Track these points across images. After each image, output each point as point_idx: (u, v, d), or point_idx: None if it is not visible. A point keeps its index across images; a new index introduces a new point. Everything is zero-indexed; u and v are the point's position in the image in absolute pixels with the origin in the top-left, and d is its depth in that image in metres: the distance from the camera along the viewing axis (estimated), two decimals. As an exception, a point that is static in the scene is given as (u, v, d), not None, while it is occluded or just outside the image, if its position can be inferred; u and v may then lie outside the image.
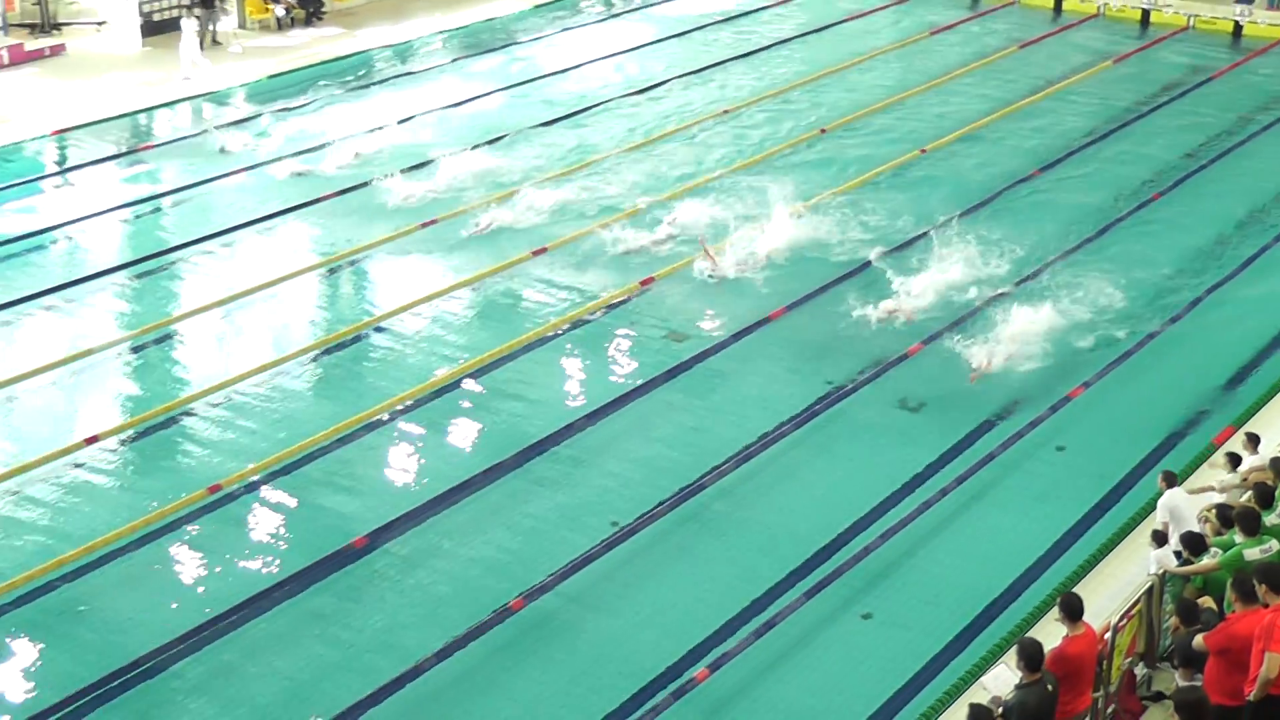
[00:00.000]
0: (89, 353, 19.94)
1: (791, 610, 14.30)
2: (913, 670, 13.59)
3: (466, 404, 18.54)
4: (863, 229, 23.15)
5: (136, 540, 15.78)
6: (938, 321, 20.10)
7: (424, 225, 23.51)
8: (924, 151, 27.01)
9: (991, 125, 28.59)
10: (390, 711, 13.20)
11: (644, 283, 21.32)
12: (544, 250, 22.52)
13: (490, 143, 27.16)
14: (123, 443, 17.89)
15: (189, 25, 31.65)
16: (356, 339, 20.21)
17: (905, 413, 18.01)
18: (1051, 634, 12.23)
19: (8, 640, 14.36)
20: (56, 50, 33.01)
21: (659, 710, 12.88)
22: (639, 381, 18.92)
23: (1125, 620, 12.45)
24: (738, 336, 19.92)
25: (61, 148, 28.08)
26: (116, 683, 13.59)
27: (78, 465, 17.30)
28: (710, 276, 21.52)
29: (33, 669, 14.05)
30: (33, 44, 32.88)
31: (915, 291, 20.52)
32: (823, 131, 28.06)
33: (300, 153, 26.87)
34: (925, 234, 22.57)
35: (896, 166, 26.29)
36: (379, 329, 20.49)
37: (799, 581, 14.81)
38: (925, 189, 25.17)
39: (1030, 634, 13.08)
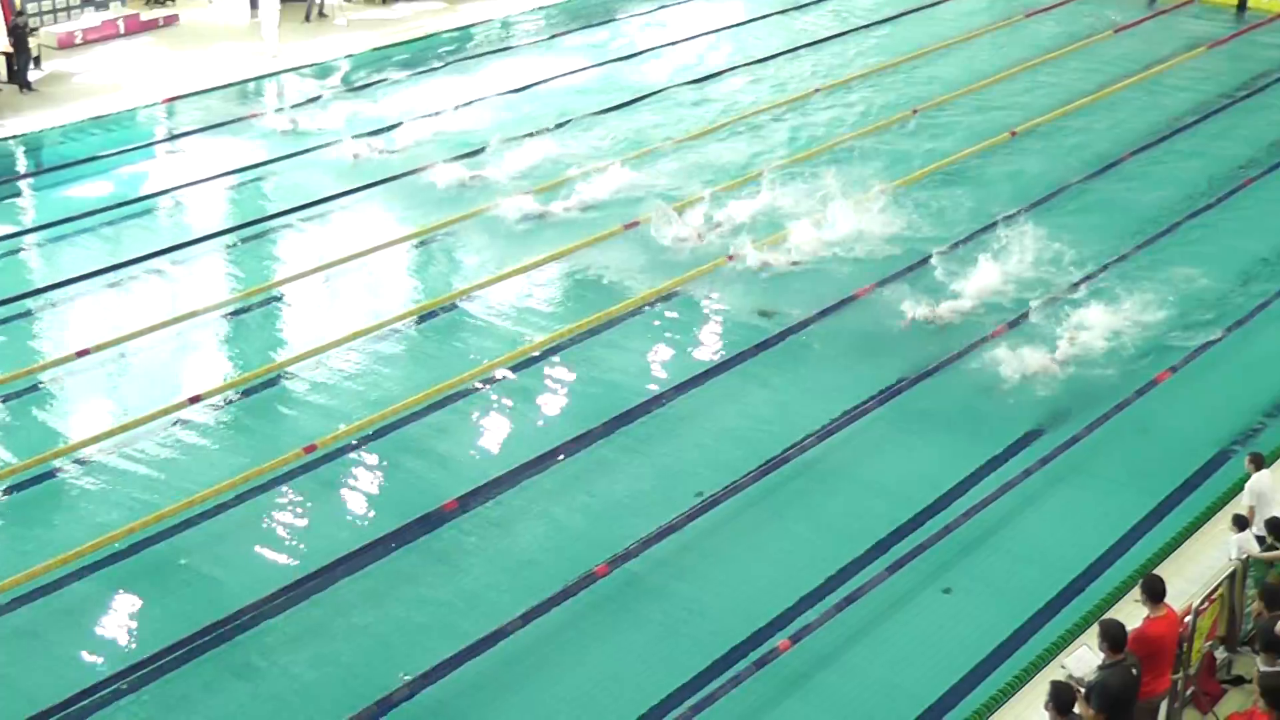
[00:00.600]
0: (194, 314, 20.28)
1: (874, 584, 14.21)
2: (991, 646, 13.46)
3: (556, 374, 18.60)
4: (940, 218, 22.75)
5: (235, 497, 16.01)
6: (1016, 308, 19.81)
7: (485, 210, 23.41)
8: (1013, 134, 26.56)
9: (1081, 110, 27.97)
10: (475, 671, 13.29)
11: (729, 258, 21.21)
12: (634, 224, 22.50)
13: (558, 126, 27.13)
14: (224, 402, 18.16)
15: (268, 4, 31.64)
16: (449, 308, 20.31)
17: (988, 396, 17.74)
18: (1132, 615, 12.05)
19: (112, 591, 14.65)
20: (170, 21, 33.65)
21: (740, 679, 12.86)
22: (726, 356, 18.85)
23: (1207, 603, 12.25)
24: (823, 314, 19.78)
25: (171, 115, 28.51)
26: (213, 635, 13.81)
27: (181, 423, 17.59)
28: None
29: (134, 620, 14.32)
30: (148, 14, 33.56)
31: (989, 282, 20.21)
32: (915, 112, 27.69)
33: (379, 131, 26.89)
34: (997, 223, 22.08)
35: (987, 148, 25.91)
36: (470, 299, 20.57)
37: (880, 556, 14.72)
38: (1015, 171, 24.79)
39: (1111, 615, 12.96)
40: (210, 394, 18.21)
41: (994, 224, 22.07)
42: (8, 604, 14.32)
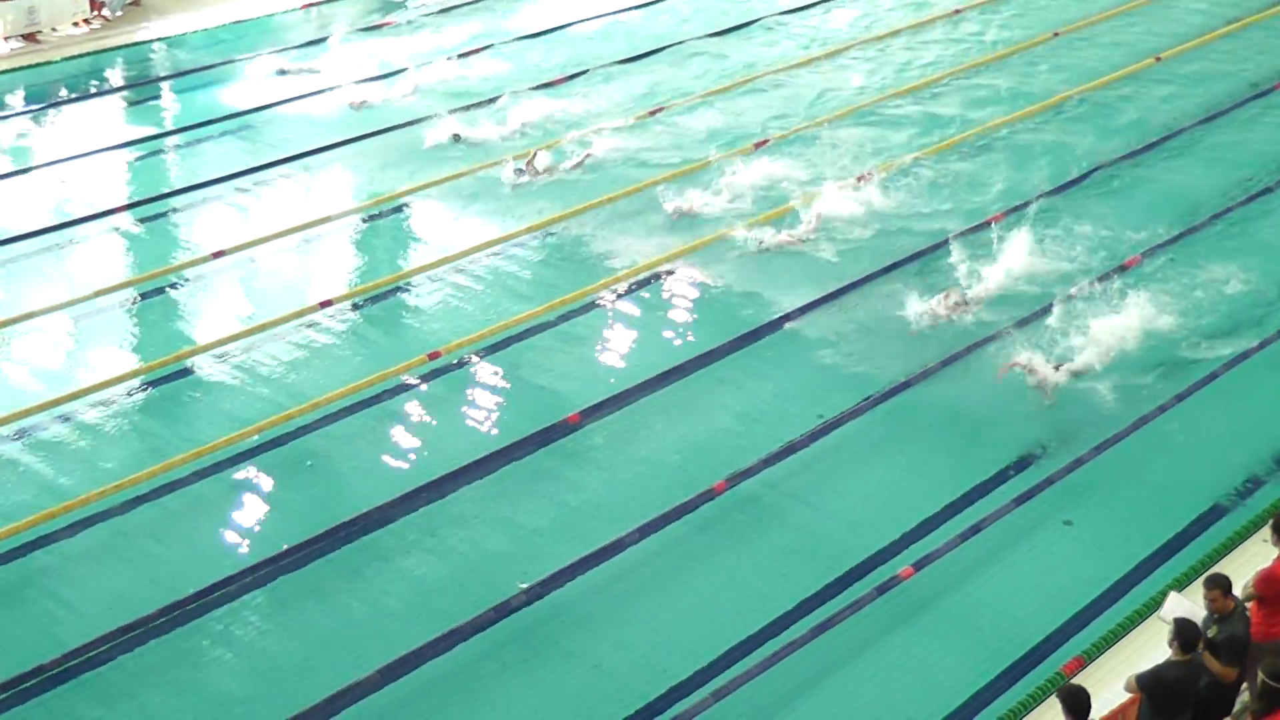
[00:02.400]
0: (326, 220, 20.07)
1: (999, 515, 13.56)
2: (1108, 583, 12.76)
3: (678, 290, 18.07)
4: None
5: (361, 400, 15.81)
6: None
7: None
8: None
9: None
10: (595, 581, 12.97)
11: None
12: (765, 142, 21.80)
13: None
14: (353, 307, 17.94)
15: None
16: (568, 228, 19.78)
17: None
18: (1255, 559, 11.49)
19: (240, 490, 14.54)
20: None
21: (861, 604, 12.37)
22: (857, 276, 18.14)
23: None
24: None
25: (309, 21, 28.27)
26: (338, 535, 13.63)
27: (311, 326, 17.42)
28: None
29: (262, 518, 14.20)
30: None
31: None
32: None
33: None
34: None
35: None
36: (593, 215, 20.04)
37: (1002, 485, 14.08)
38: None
39: (1234, 557, 12.38)
40: (341, 298, 18.02)
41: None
42: (144, 495, 14.28)
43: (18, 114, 24.34)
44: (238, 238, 19.59)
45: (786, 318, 17.18)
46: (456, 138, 22.43)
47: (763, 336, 16.86)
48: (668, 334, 17.22)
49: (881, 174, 20.48)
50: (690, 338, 17.01)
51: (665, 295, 17.99)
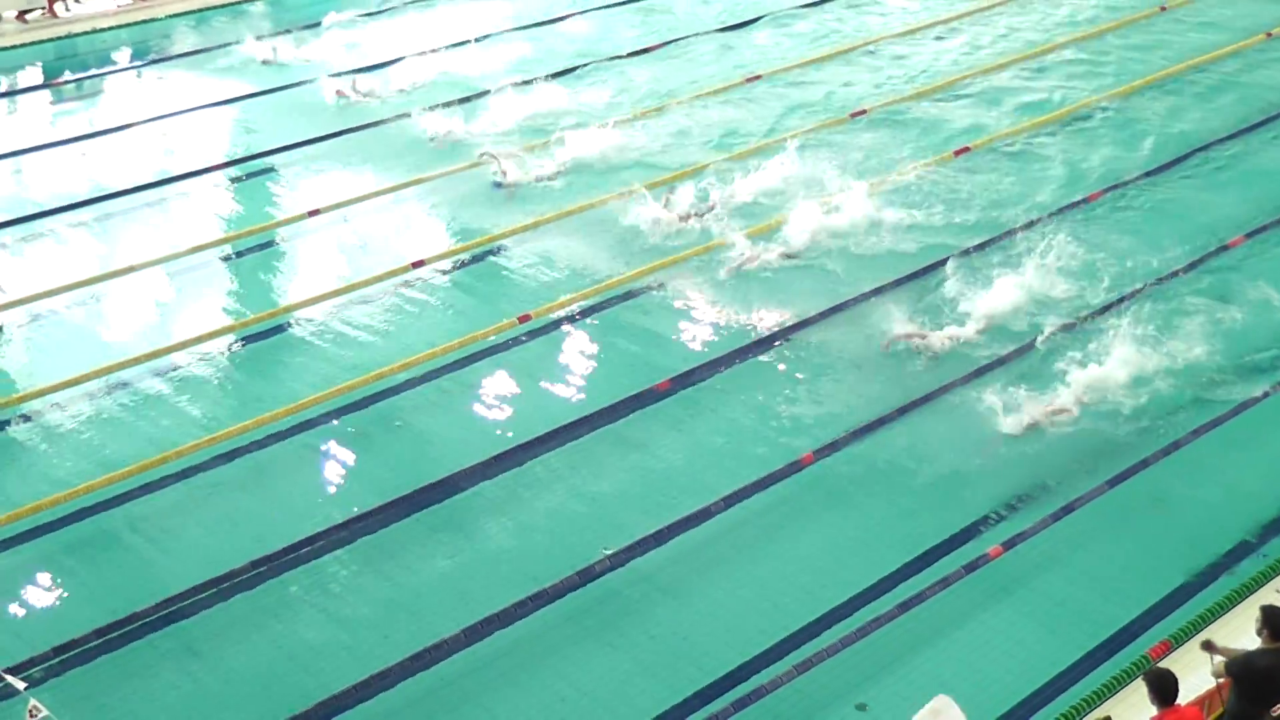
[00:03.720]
0: (419, 181, 20.11)
1: (1091, 498, 13.23)
2: (1198, 569, 12.40)
3: (773, 263, 17.83)
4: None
5: (451, 362, 15.83)
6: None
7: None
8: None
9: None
10: (676, 549, 12.87)
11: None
12: (861, 112, 21.48)
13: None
14: (444, 270, 17.98)
15: None
16: (671, 190, 19.56)
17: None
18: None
19: (329, 448, 14.62)
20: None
21: (948, 582, 12.11)
22: (964, 245, 17.87)
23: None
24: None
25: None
26: (425, 496, 13.65)
27: (405, 286, 17.49)
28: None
29: (349, 476, 14.26)
30: None
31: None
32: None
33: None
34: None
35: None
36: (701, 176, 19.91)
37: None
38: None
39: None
40: (434, 259, 18.06)
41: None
42: (236, 449, 14.43)
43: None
44: (333, 197, 19.74)
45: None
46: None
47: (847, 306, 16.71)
48: (763, 304, 16.97)
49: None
50: (779, 308, 16.80)
51: (768, 267, 17.77)
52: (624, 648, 11.79)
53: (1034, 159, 20.34)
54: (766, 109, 22.56)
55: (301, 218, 19.25)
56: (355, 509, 13.50)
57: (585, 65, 24.52)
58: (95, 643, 11.85)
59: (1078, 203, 18.86)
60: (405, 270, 17.79)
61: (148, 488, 13.90)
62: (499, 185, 19.95)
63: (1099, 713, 10.34)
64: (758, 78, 23.60)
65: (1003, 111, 22.05)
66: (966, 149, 20.48)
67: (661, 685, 11.32)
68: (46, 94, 25.17)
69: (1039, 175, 19.81)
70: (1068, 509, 13.05)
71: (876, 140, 20.97)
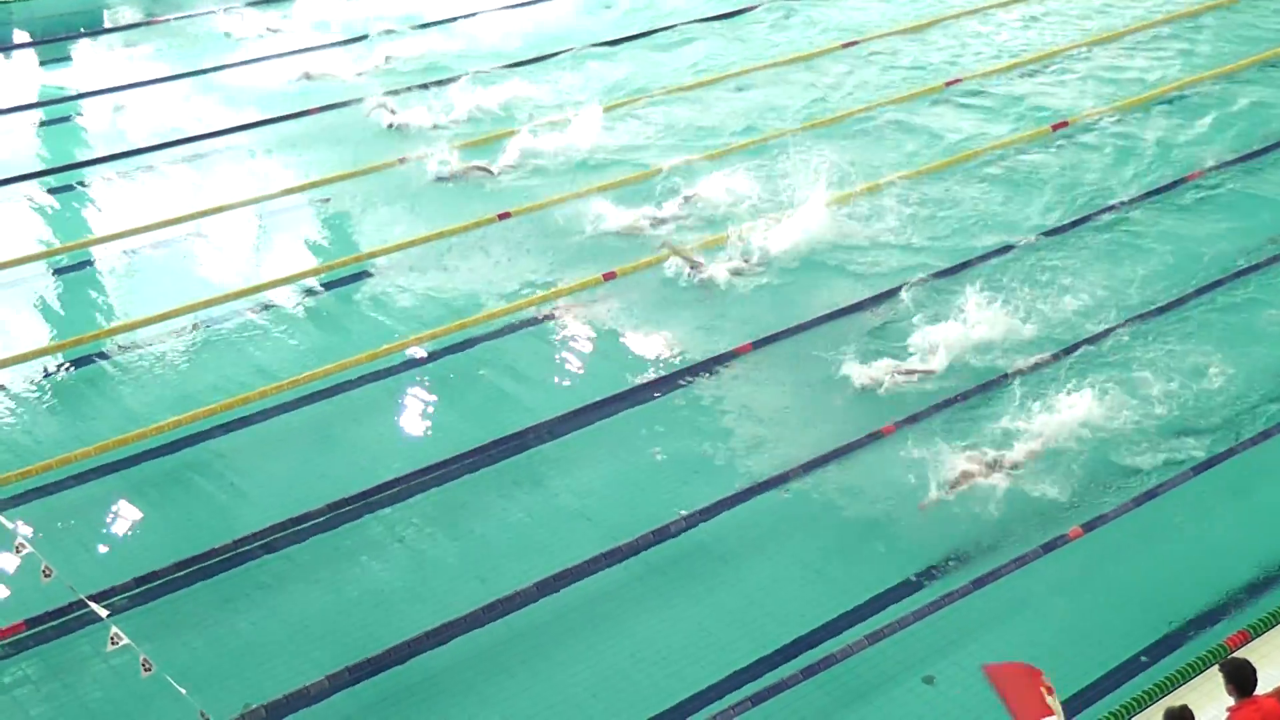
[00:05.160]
0: (511, 133, 20.15)
1: (1175, 484, 13.05)
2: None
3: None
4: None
5: (536, 316, 15.95)
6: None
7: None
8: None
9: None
10: (745, 514, 12.88)
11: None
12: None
13: None
14: (530, 222, 18.02)
15: None
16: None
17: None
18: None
19: (411, 394, 14.81)
20: None
21: (1024, 561, 12.02)
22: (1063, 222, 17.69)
23: None
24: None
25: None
26: (504, 446, 13.76)
27: (486, 237, 17.56)
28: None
29: (430, 423, 14.45)
30: None
31: None
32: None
33: None
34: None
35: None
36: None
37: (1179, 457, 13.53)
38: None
39: None
40: (518, 212, 18.12)
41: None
42: (318, 392, 14.63)
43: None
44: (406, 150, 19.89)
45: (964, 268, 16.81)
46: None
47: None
48: (837, 280, 16.91)
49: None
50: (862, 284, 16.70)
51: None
52: (695, 609, 11.81)
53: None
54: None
55: (393, 165, 19.37)
56: (436, 456, 13.61)
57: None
58: (175, 575, 12.09)
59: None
60: (491, 221, 17.87)
61: (229, 426, 14.12)
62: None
63: (1173, 700, 10.25)
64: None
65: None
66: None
67: (731, 648, 11.33)
68: None
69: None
70: (1151, 494, 12.91)
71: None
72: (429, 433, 14.29)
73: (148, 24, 25.75)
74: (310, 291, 16.73)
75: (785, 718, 10.66)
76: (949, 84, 21.95)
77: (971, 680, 10.66)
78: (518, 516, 12.95)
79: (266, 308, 16.29)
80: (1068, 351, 14.97)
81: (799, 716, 10.69)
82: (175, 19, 25.80)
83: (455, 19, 25.32)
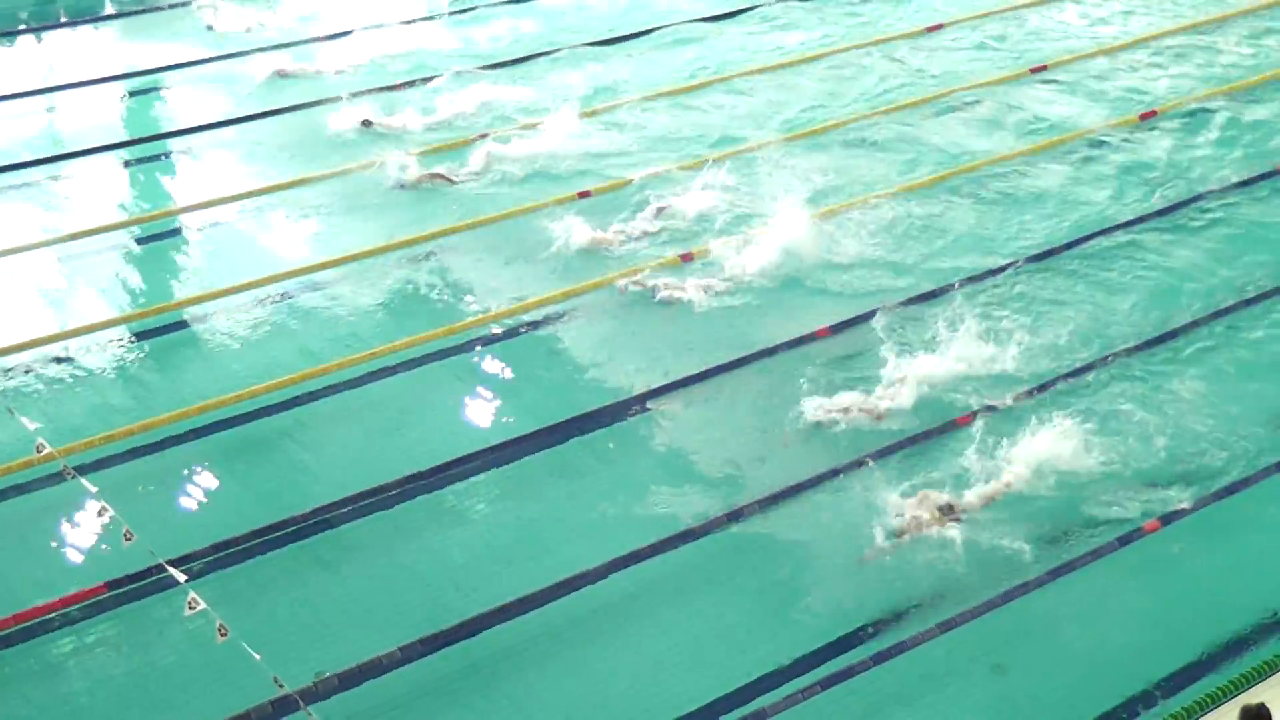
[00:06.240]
0: (595, 113, 20.22)
1: (1243, 486, 12.83)
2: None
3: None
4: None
5: (608, 298, 15.98)
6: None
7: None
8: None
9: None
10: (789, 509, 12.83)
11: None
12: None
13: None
14: (602, 202, 18.00)
15: None
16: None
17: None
18: None
19: (482, 371, 14.97)
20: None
21: (1100, 553, 11.95)
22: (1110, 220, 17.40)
23: None
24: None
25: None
26: (575, 425, 13.85)
27: (578, 214, 17.38)
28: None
29: (500, 402, 14.57)
30: None
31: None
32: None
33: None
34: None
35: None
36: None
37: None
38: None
39: None
40: (599, 191, 18.16)
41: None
42: (392, 366, 14.77)
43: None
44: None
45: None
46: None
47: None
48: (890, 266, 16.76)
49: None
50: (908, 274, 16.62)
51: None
52: (764, 593, 11.81)
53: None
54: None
55: (474, 140, 19.43)
56: (506, 435, 13.72)
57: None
58: (252, 543, 12.29)
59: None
60: (572, 199, 17.93)
61: (300, 400, 14.28)
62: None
63: (1250, 698, 10.13)
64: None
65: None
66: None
67: (800, 632, 11.33)
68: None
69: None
70: (1231, 489, 12.76)
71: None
72: (499, 410, 14.39)
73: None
74: (382, 267, 16.72)
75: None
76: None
77: (1040, 670, 10.60)
78: (588, 496, 12.99)
79: (339, 281, 16.36)
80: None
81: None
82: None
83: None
